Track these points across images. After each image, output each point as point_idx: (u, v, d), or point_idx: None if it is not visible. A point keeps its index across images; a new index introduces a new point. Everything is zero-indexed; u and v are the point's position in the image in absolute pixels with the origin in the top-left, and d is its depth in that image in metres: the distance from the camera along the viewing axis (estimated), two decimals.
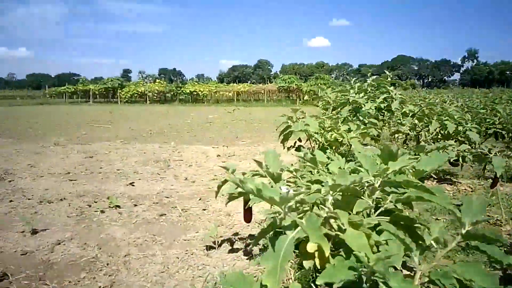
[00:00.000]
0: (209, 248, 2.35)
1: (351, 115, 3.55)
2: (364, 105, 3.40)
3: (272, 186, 1.10)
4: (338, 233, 0.82)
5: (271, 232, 1.46)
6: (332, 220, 0.87)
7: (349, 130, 2.74)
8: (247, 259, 2.14)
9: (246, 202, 1.98)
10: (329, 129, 2.58)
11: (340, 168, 1.41)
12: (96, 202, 3.32)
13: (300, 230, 0.82)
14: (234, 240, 2.45)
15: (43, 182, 4.09)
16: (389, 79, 3.85)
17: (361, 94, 3.59)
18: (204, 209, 3.16)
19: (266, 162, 1.34)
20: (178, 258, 2.21)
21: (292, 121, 2.77)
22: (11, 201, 3.36)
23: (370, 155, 1.20)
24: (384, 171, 1.06)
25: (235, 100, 31.57)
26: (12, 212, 3.05)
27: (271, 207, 1.96)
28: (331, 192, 0.90)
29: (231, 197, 1.18)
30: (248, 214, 1.98)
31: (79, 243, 2.44)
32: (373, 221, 0.93)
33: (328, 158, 1.70)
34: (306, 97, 27.67)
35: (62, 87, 38.83)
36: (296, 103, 26.07)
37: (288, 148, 2.88)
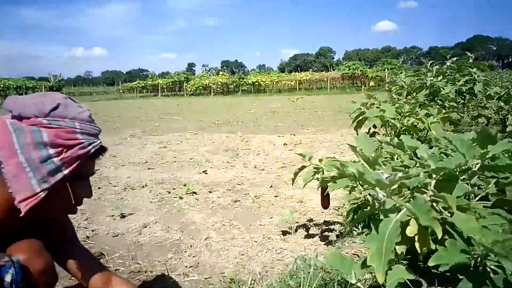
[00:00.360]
0: (285, 233, 2.39)
1: (427, 100, 3.37)
2: (443, 89, 3.20)
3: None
4: (445, 216, 0.80)
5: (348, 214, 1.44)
6: (433, 204, 0.85)
7: (428, 115, 2.61)
8: (324, 244, 2.15)
9: (323, 188, 1.98)
10: (407, 114, 2.47)
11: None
12: (174, 189, 3.52)
13: (403, 214, 0.81)
14: (309, 226, 2.46)
15: (125, 171, 4.42)
16: (470, 60, 3.59)
17: (439, 77, 3.39)
18: (276, 196, 3.21)
19: (359, 146, 1.33)
20: (256, 242, 2.28)
21: (366, 107, 2.70)
22: (99, 188, 3.67)
23: (465, 139, 1.14)
24: (483, 155, 1.00)
25: (297, 89, 31.38)
26: (101, 198, 3.34)
27: (349, 193, 1.94)
28: (434, 176, 0.88)
29: (323, 181, 1.18)
30: (326, 200, 1.99)
31: (163, 226, 2.61)
32: (478, 206, 0.89)
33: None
34: (371, 83, 26.65)
35: (133, 83, 41.39)
36: (361, 90, 25.19)
37: None
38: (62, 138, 1.04)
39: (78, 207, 1.20)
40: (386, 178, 0.85)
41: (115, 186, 3.70)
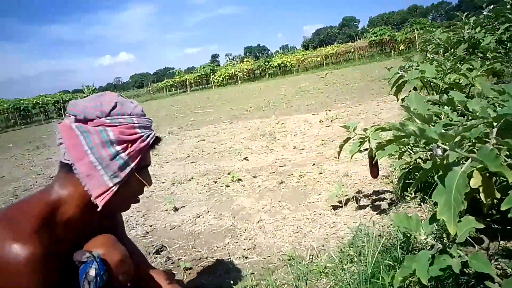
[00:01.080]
0: (335, 207, 2.40)
1: (467, 54, 3.21)
2: (483, 40, 3.04)
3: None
4: (510, 162, 0.78)
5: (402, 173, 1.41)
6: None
7: (470, 69, 2.49)
8: (377, 213, 2.13)
9: (371, 158, 1.96)
10: (448, 71, 2.37)
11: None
12: (219, 178, 3.60)
13: (467, 165, 0.79)
14: (359, 198, 2.45)
15: (170, 167, 4.56)
16: (508, 6, 3.37)
17: (477, 29, 3.21)
18: (321, 173, 3.21)
19: (412, 105, 1.31)
20: (308, 219, 2.31)
21: (404, 71, 2.61)
22: None
23: None
24: None
25: (324, 64, 30.75)
26: (152, 195, 3.48)
27: (399, 158, 1.91)
28: (494, 124, 0.85)
29: (379, 147, 1.16)
30: (375, 169, 1.97)
31: (215, 214, 2.69)
32: None
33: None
34: (401, 47, 25.58)
35: (162, 82, 42.25)
36: (391, 56, 24.29)
37: (402, 100, 2.74)
38: (125, 134, 1.11)
39: (140, 197, 1.27)
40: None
41: (163, 183, 3.83)
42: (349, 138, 1.96)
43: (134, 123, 1.14)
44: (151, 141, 1.19)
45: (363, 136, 1.88)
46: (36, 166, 6.41)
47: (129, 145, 1.13)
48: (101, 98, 1.15)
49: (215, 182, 3.49)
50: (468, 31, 3.20)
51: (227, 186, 3.30)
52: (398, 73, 2.66)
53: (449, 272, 0.81)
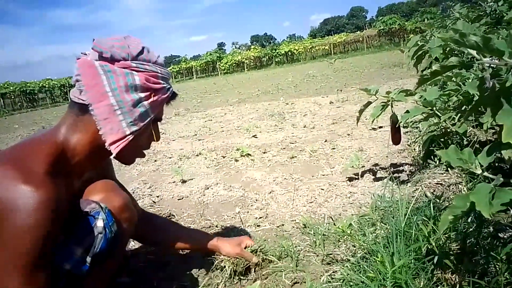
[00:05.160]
0: (351, 179, 2.30)
1: (489, 28, 3.07)
2: (506, 14, 2.89)
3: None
4: None
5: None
6: None
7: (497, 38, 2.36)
8: (396, 184, 2.03)
9: (394, 123, 1.86)
10: None
11: None
12: (228, 153, 3.51)
13: None
14: (375, 170, 2.35)
15: (176, 144, 4.47)
16: None
17: (500, 2, 3.06)
18: (333, 148, 3.11)
19: (461, 29, 1.19)
20: (322, 189, 2.22)
21: (424, 41, 2.49)
22: (155, 160, 3.74)
23: None
24: None
25: (332, 53, 30.42)
26: (159, 169, 3.40)
27: (425, 120, 1.80)
28: None
29: (421, 80, 1.04)
30: (397, 135, 1.86)
31: (225, 186, 2.60)
32: None
33: None
34: (411, 37, 25.16)
35: (168, 69, 42.06)
36: (401, 45, 23.92)
37: (422, 71, 2.63)
38: (150, 82, 1.04)
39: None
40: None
41: (170, 157, 3.75)
42: (370, 103, 1.86)
43: (158, 73, 1.06)
44: (171, 95, 1.13)
45: (386, 100, 1.78)
46: None
47: (152, 95, 1.05)
48: (127, 40, 1.06)
49: (224, 157, 3.40)
50: (490, 3, 3.05)
51: (236, 160, 3.21)
52: (418, 43, 2.54)
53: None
